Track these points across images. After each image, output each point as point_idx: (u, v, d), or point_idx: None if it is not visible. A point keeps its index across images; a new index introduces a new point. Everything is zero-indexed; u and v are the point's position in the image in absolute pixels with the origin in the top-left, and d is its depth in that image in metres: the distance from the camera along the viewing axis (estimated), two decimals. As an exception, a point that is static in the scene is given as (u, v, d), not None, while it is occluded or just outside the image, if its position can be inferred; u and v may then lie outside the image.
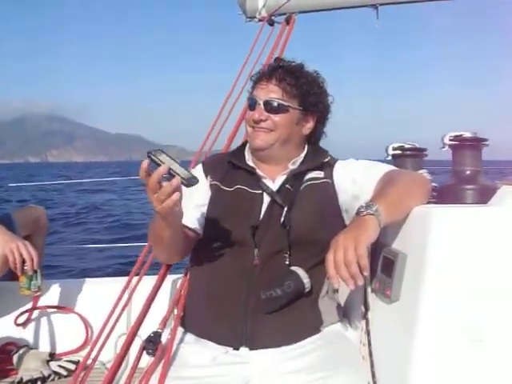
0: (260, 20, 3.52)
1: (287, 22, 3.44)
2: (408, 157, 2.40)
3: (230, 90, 2.81)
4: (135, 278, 2.39)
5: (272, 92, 1.94)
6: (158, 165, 1.54)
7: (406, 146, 2.41)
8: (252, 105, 1.98)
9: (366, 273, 1.52)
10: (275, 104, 1.93)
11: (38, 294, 2.60)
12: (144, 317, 2.00)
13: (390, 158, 2.45)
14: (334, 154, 2.08)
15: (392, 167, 2.00)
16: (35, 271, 2.48)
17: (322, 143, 2.11)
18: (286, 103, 1.93)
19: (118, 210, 17.64)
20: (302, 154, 2.03)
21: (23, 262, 2.43)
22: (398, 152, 2.42)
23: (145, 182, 1.56)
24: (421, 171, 2.28)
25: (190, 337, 1.92)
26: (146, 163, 1.53)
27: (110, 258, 8.05)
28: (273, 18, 3.50)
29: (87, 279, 2.97)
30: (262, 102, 1.94)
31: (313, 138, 2.07)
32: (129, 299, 2.26)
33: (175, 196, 1.56)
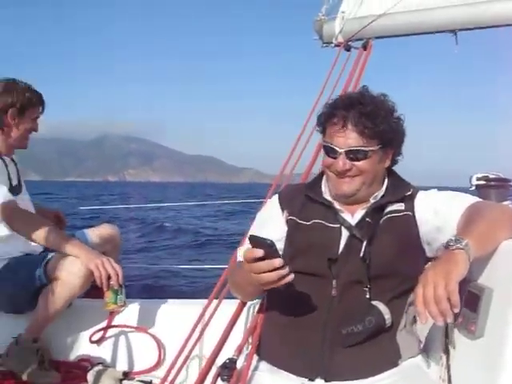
0: (336, 45, 3.50)
1: (364, 47, 3.42)
2: (493, 187, 2.33)
3: (308, 116, 2.82)
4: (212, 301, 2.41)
5: (351, 139, 1.84)
6: (260, 247, 1.58)
7: (491, 177, 2.34)
8: (330, 152, 1.89)
9: (457, 310, 1.46)
10: (357, 152, 1.84)
11: (122, 308, 2.67)
12: (223, 343, 2.01)
13: (473, 188, 2.38)
14: (407, 176, 2.03)
15: (476, 198, 1.92)
16: (120, 286, 2.55)
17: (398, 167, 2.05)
18: (367, 149, 1.84)
19: (197, 230, 17.60)
20: (383, 187, 1.97)
21: (108, 277, 2.50)
22: (483, 183, 2.34)
23: (249, 266, 1.62)
24: (505, 202, 2.20)
25: (264, 365, 1.91)
26: (260, 253, 1.57)
27: (185, 279, 8.04)
28: (349, 43, 3.48)
29: (162, 300, 3.01)
30: (343, 152, 1.85)
31: (391, 166, 2.03)
32: (207, 323, 2.26)
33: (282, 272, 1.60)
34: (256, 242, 1.60)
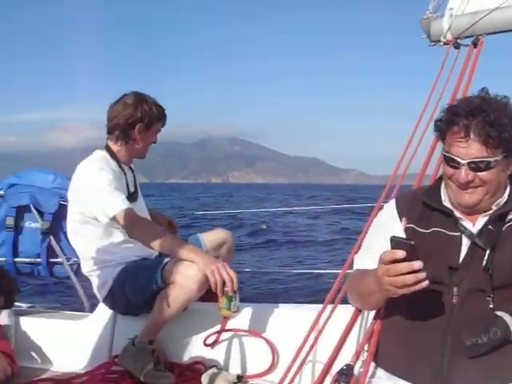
0: (445, 43, 3.39)
1: (474, 45, 3.29)
2: None
3: (419, 117, 2.74)
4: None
5: (474, 150, 1.74)
6: (402, 248, 1.55)
7: None
8: (451, 162, 1.81)
9: None
10: (480, 163, 1.75)
11: (236, 313, 2.72)
12: (339, 349, 1.99)
13: None
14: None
15: None
16: (234, 292, 2.59)
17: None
18: (491, 159, 1.74)
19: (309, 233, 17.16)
20: (506, 194, 1.87)
21: (223, 283, 2.55)
22: None
23: (385, 268, 1.59)
24: None
25: (382, 372, 1.88)
26: (402, 254, 1.54)
27: (298, 283, 7.94)
28: (459, 41, 3.36)
29: (275, 304, 3.03)
30: (465, 163, 1.76)
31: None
32: (322, 329, 2.25)
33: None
34: (398, 242, 1.57)
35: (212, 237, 3.22)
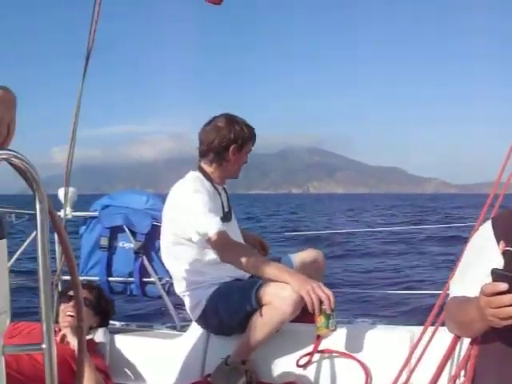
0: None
1: None
2: None
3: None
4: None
5: None
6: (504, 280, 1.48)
7: None
8: None
9: None
10: None
11: (332, 332, 2.65)
12: (440, 375, 1.89)
13: None
14: None
15: None
16: (332, 310, 2.54)
17: None
18: None
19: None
20: None
21: (320, 302, 2.50)
22: None
23: (487, 300, 1.51)
24: None
25: None
26: (504, 286, 1.46)
27: (390, 301, 7.64)
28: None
29: (370, 325, 2.94)
30: None
31: None
32: (422, 353, 2.14)
33: None
34: (499, 275, 1.50)
35: (303, 256, 3.18)
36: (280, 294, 2.59)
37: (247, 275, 2.98)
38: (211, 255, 2.91)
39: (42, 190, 1.15)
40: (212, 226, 2.75)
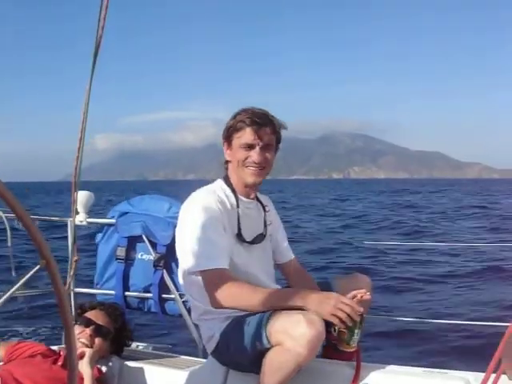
0: None
1: None
2: None
3: None
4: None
5: None
6: None
7: None
8: None
9: None
10: None
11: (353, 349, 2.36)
12: None
13: None
14: None
15: None
16: (355, 322, 2.23)
17: None
18: None
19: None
20: None
21: (348, 316, 2.19)
22: None
23: None
24: None
25: None
26: None
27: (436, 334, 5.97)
28: None
29: (412, 367, 2.51)
30: None
31: None
32: None
33: None
34: None
35: (345, 281, 2.73)
36: (291, 333, 2.10)
37: None
38: None
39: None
40: (199, 262, 2.37)
